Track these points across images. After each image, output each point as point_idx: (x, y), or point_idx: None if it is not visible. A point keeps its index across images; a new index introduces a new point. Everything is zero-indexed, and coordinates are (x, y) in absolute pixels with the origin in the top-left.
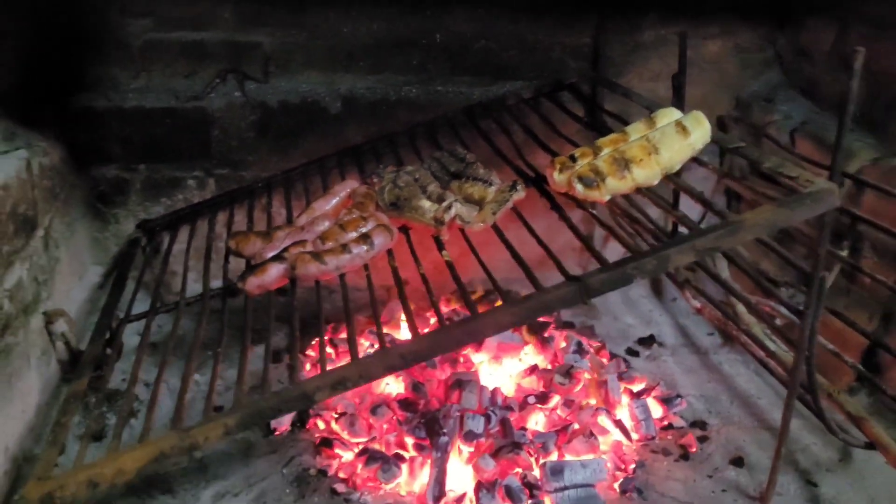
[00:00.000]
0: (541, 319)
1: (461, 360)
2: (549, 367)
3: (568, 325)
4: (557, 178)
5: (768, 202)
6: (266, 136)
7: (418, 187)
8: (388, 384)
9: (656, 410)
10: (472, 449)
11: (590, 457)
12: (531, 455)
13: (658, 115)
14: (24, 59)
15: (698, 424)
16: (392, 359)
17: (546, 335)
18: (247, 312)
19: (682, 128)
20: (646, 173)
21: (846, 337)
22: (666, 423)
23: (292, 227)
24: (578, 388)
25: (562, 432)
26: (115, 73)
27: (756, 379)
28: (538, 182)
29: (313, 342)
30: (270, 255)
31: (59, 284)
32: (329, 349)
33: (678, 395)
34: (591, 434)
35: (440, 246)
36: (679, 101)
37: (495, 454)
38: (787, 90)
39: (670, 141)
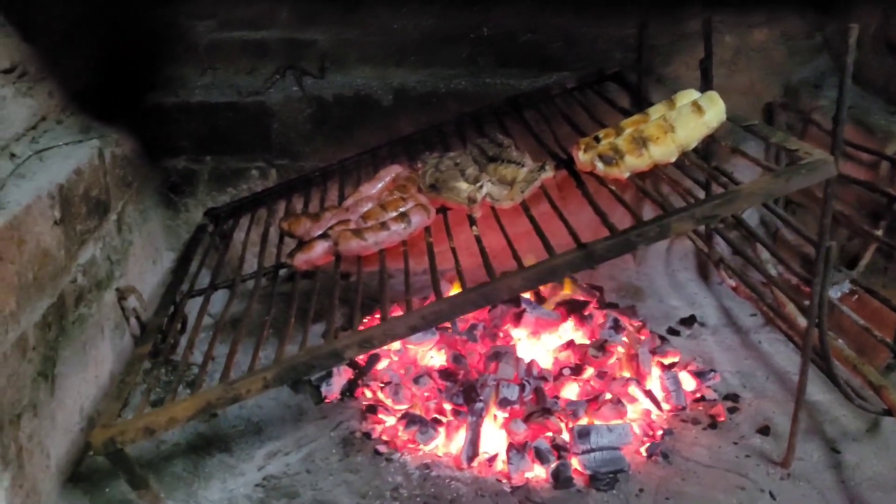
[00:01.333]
0: (580, 298)
1: (501, 335)
2: (587, 342)
3: (612, 306)
4: (582, 158)
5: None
6: (322, 128)
7: (458, 171)
8: (432, 357)
9: (689, 384)
10: (506, 415)
11: (617, 422)
12: (561, 420)
13: (678, 97)
14: (101, 61)
15: (731, 397)
16: (413, 319)
17: (586, 313)
18: (294, 287)
19: (697, 107)
20: (662, 150)
21: (883, 315)
22: (698, 395)
23: (338, 208)
24: (612, 360)
25: (593, 401)
26: (183, 72)
27: (794, 357)
28: (568, 163)
29: (366, 319)
30: (317, 233)
31: (133, 266)
32: None
33: (712, 370)
34: (619, 401)
35: (472, 222)
36: (706, 85)
37: (527, 419)
38: (836, 76)
39: (686, 120)
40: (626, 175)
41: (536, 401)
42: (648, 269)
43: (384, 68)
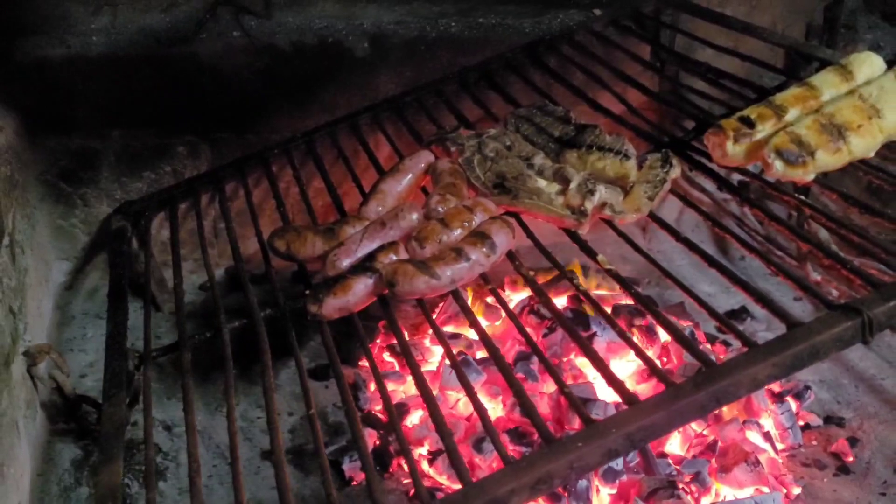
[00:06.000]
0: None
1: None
2: (664, 364)
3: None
4: (732, 150)
5: None
6: (276, 87)
7: (519, 160)
8: None
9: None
10: (613, 491)
11: (753, 490)
12: (688, 493)
13: (853, 63)
14: None
15: (834, 420)
16: (613, 440)
17: (644, 323)
18: (328, 347)
19: None
20: (865, 143)
21: None
22: (801, 422)
23: (361, 218)
24: None
25: (708, 454)
26: (68, 9)
27: (870, 354)
28: (679, 149)
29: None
30: (347, 262)
31: (31, 302)
32: (388, 356)
33: (806, 387)
34: (757, 462)
35: (591, 252)
36: (831, 41)
37: (649, 497)
38: (868, 15)
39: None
40: (811, 178)
41: (644, 466)
42: (661, 244)
43: (352, 4)
